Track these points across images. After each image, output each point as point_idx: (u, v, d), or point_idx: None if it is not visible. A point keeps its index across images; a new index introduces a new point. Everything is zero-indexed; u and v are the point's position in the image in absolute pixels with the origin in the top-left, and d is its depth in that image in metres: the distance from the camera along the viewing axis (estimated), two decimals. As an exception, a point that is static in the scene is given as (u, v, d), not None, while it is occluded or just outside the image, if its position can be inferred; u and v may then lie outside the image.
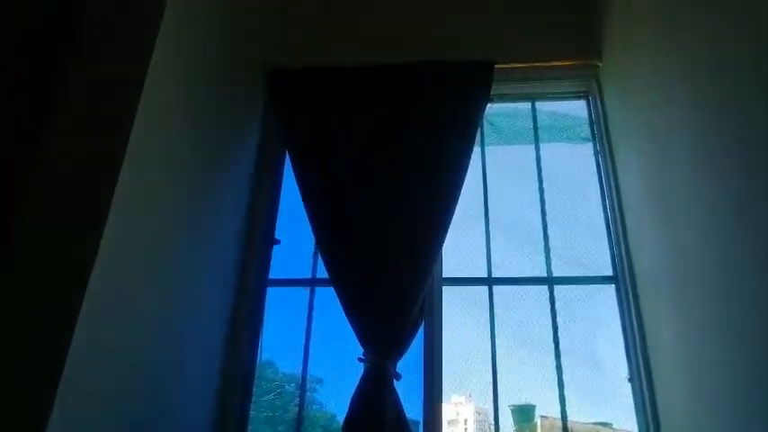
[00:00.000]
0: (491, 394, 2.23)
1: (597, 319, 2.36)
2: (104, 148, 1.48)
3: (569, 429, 2.15)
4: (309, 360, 2.39)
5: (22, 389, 1.26)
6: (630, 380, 2.21)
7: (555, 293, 2.37)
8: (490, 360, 2.27)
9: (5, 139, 1.58)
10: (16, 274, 1.36)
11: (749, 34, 1.42)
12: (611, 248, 2.43)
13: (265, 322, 2.46)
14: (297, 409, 2.34)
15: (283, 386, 2.48)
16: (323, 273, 2.38)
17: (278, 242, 2.58)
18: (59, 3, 1.72)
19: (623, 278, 2.33)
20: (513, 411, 2.26)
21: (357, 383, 2.13)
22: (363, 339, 2.18)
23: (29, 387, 1.26)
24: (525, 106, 2.78)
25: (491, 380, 2.25)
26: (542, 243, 2.46)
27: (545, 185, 2.57)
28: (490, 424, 2.22)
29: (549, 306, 2.35)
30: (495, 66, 2.60)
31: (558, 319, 2.32)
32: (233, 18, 2.34)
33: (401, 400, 2.12)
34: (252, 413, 2.33)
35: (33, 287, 1.35)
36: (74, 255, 1.36)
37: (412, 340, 2.23)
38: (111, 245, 1.40)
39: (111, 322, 1.46)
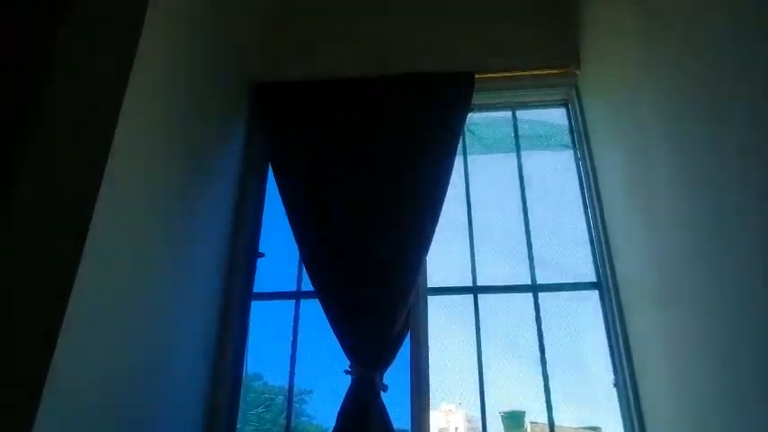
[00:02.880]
0: (479, 402, 2.24)
1: (582, 326, 2.37)
2: (85, 164, 1.48)
3: (558, 435, 2.17)
4: (298, 372, 2.38)
5: (5, 392, 1.26)
6: (616, 385, 2.23)
7: (539, 300, 2.38)
8: (477, 368, 2.28)
9: None
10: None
11: (723, 40, 1.45)
12: (594, 255, 2.45)
13: (252, 335, 2.45)
14: (285, 421, 2.32)
15: (272, 399, 2.47)
16: (308, 285, 2.39)
17: (262, 255, 2.57)
18: (43, 11, 1.73)
19: (606, 284, 2.35)
20: (503, 418, 2.26)
21: (344, 395, 2.13)
22: (349, 351, 2.18)
23: (12, 391, 1.25)
24: (506, 115, 2.80)
25: (479, 387, 2.26)
26: (526, 250, 2.47)
27: (527, 193, 2.59)
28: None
29: (534, 313, 2.36)
30: (476, 76, 2.63)
31: (544, 325, 2.34)
32: (216, 32, 2.35)
33: (390, 410, 2.13)
34: (239, 426, 2.31)
35: (18, 291, 1.35)
36: (58, 266, 1.36)
37: (398, 351, 2.24)
38: (93, 260, 1.40)
39: (94, 339, 1.45)
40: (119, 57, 1.61)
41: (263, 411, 2.45)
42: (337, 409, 2.11)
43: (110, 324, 1.53)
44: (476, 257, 2.48)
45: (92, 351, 1.44)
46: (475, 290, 2.42)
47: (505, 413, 2.27)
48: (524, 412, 2.29)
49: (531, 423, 2.27)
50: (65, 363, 1.31)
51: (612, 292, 2.30)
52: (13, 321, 1.32)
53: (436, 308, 2.40)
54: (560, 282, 2.43)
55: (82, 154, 1.49)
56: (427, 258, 2.38)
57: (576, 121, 2.68)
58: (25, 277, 1.36)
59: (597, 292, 2.39)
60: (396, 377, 2.24)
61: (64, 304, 1.32)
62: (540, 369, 2.26)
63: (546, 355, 2.28)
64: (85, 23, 1.66)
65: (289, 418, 2.31)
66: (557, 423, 2.18)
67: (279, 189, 2.51)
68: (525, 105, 2.81)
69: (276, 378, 2.47)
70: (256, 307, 2.50)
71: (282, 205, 2.47)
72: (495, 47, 2.77)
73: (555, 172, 2.66)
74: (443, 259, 2.48)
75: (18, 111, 1.62)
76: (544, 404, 2.22)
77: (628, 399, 2.16)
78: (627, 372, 2.17)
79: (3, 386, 1.26)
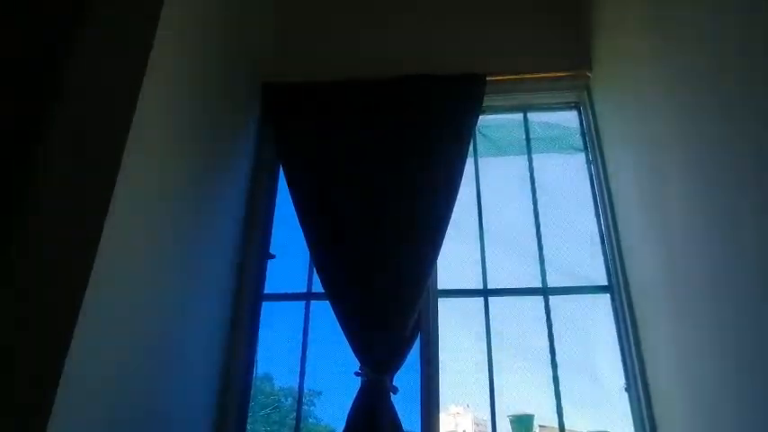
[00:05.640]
0: (489, 405, 2.23)
1: (593, 329, 2.36)
2: (99, 165, 1.48)
3: (567, 439, 2.16)
4: (307, 374, 2.38)
5: (20, 392, 1.26)
6: (627, 389, 2.21)
7: (550, 303, 2.37)
8: (487, 371, 2.28)
9: (5, 141, 1.59)
10: (16, 276, 1.37)
11: (736, 40, 1.44)
12: (606, 258, 2.44)
13: (261, 337, 2.45)
14: (294, 423, 2.32)
15: (280, 400, 2.47)
16: (318, 287, 2.39)
17: (273, 256, 2.58)
18: (59, 8, 1.74)
19: (618, 287, 2.34)
20: (511, 421, 2.26)
21: (354, 397, 2.13)
22: (360, 353, 2.18)
23: (27, 390, 1.26)
24: (517, 117, 2.80)
25: (488, 390, 2.25)
26: (537, 253, 2.46)
27: (538, 196, 2.58)
28: (489, 435, 2.22)
29: (545, 316, 2.35)
30: (487, 78, 2.63)
31: (554, 329, 2.33)
32: (229, 32, 2.36)
33: (399, 412, 2.12)
34: (249, 426, 2.31)
35: (32, 289, 1.36)
36: (71, 267, 1.37)
37: (408, 353, 2.23)
38: (107, 260, 1.41)
39: (106, 339, 1.45)
40: (133, 57, 1.62)
41: (270, 412, 2.45)
42: (345, 410, 2.11)
43: (122, 324, 1.53)
44: (486, 260, 2.47)
45: (104, 350, 1.44)
46: (485, 292, 2.42)
47: (514, 416, 2.26)
48: (533, 416, 2.28)
49: (540, 427, 2.27)
50: (78, 362, 1.31)
51: (624, 296, 2.29)
52: (27, 322, 1.33)
53: (446, 310, 2.40)
54: (571, 285, 2.42)
55: (96, 155, 1.50)
56: (438, 261, 2.37)
57: (588, 123, 2.68)
58: (39, 279, 1.37)
59: (609, 295, 2.38)
60: (405, 379, 2.24)
61: (77, 304, 1.33)
62: (550, 372, 2.26)
63: (556, 359, 2.27)
64: (100, 24, 1.67)
65: (298, 419, 2.31)
66: (566, 427, 2.17)
67: (290, 190, 2.51)
68: (537, 107, 2.80)
69: (285, 379, 2.47)
70: (267, 308, 2.50)
71: (293, 206, 2.47)
72: (507, 49, 2.77)
73: (566, 174, 2.65)
74: (454, 261, 2.48)
75: (31, 110, 1.63)
76: (553, 408, 2.21)
77: (639, 403, 2.14)
78: (638, 376, 2.16)
79: (17, 386, 1.27)
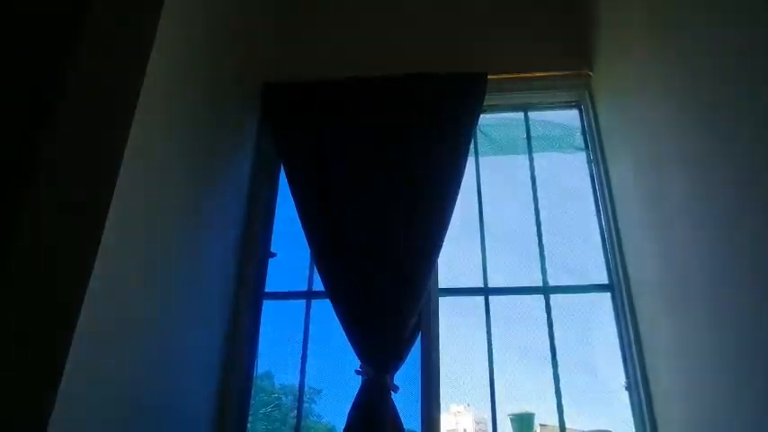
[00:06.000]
0: (489, 403, 2.23)
1: (593, 328, 2.36)
2: (99, 164, 1.49)
3: (568, 438, 2.16)
4: (307, 372, 2.39)
5: (22, 392, 1.27)
6: (628, 388, 2.21)
7: (551, 302, 2.37)
8: (487, 369, 2.28)
9: (6, 140, 1.60)
10: (17, 276, 1.38)
11: (736, 42, 1.44)
12: (606, 257, 2.44)
13: (262, 335, 2.46)
14: (295, 421, 2.33)
15: (281, 398, 2.48)
16: (319, 285, 2.39)
17: (274, 255, 2.58)
18: (59, 9, 1.75)
19: (619, 286, 2.34)
20: (512, 420, 2.26)
21: (355, 395, 2.13)
22: (360, 352, 2.18)
23: (28, 390, 1.27)
24: (518, 116, 2.79)
25: (489, 389, 2.25)
26: (537, 252, 2.47)
27: (539, 195, 2.58)
28: (489, 434, 2.22)
29: (546, 315, 2.35)
30: (488, 77, 2.62)
31: (555, 327, 2.33)
32: (230, 33, 2.36)
33: (400, 410, 2.13)
34: (249, 424, 2.32)
35: (33, 289, 1.36)
36: (72, 265, 1.37)
37: (409, 352, 2.24)
38: (107, 259, 1.41)
39: (108, 337, 1.46)
40: (133, 58, 1.62)
41: (271, 410, 2.45)
42: (346, 409, 2.11)
43: (122, 323, 1.54)
44: (487, 259, 2.47)
45: (104, 349, 1.45)
46: (486, 291, 2.42)
47: (514, 415, 2.26)
48: (534, 414, 2.28)
49: (541, 425, 2.27)
50: (78, 361, 1.31)
51: (625, 295, 2.29)
52: (27, 322, 1.34)
53: (447, 309, 2.40)
54: (572, 283, 2.42)
55: (96, 155, 1.50)
56: (439, 259, 2.37)
57: (589, 122, 2.67)
58: (39, 279, 1.38)
59: (609, 294, 2.38)
60: (406, 378, 2.24)
61: (78, 304, 1.33)
62: (550, 371, 2.26)
63: (557, 357, 2.27)
64: (100, 24, 1.68)
65: (299, 417, 2.32)
66: (567, 426, 2.17)
67: (290, 189, 2.51)
68: (537, 106, 2.80)
69: (286, 377, 2.48)
70: (267, 306, 2.51)
71: (294, 205, 2.47)
72: (508, 47, 2.77)
73: (567, 173, 2.65)
74: (455, 260, 2.48)
75: (31, 110, 1.63)
76: (554, 406, 2.21)
77: (639, 402, 2.15)
78: (639, 374, 2.16)
79: (17, 386, 1.28)
